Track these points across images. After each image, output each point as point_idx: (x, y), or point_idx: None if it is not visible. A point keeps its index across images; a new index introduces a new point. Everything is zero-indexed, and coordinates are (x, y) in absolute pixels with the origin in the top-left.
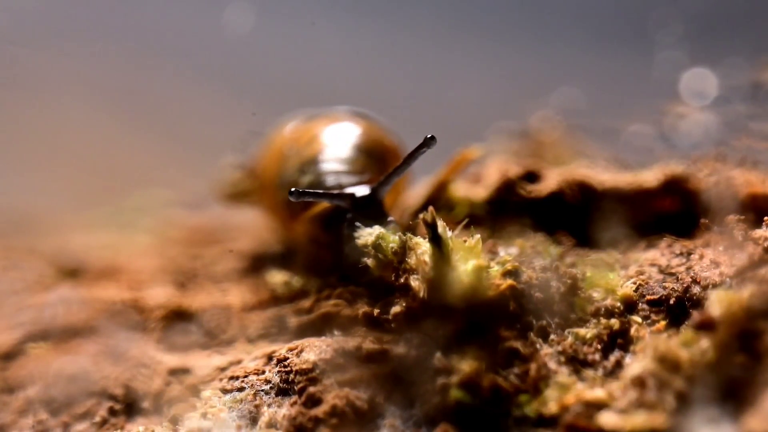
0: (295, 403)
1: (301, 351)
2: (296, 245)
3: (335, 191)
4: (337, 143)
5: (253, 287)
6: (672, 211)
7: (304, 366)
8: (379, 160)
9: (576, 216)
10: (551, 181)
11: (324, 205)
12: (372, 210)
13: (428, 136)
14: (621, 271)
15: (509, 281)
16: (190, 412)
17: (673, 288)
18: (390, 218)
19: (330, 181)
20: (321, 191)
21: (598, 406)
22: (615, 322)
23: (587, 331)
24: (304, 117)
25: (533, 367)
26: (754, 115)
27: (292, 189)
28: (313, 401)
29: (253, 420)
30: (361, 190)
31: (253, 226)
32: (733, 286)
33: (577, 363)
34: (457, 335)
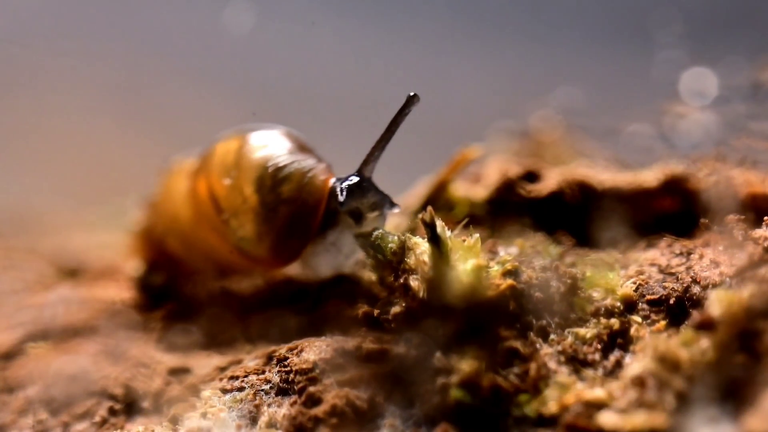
0: (295, 402)
1: (301, 351)
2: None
3: (344, 181)
4: (273, 146)
5: (253, 287)
6: (672, 211)
7: (304, 366)
8: (310, 149)
9: (576, 216)
10: (551, 180)
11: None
12: (368, 188)
13: (411, 94)
14: (621, 271)
15: (509, 281)
16: (189, 412)
17: (673, 288)
18: (384, 194)
19: (302, 172)
20: (354, 188)
21: (598, 405)
22: (615, 322)
23: (587, 331)
24: (201, 151)
25: (533, 366)
26: (754, 115)
27: (342, 203)
28: (313, 401)
29: (253, 420)
30: (351, 179)
31: None
32: (733, 286)
33: (577, 363)
34: (456, 335)
